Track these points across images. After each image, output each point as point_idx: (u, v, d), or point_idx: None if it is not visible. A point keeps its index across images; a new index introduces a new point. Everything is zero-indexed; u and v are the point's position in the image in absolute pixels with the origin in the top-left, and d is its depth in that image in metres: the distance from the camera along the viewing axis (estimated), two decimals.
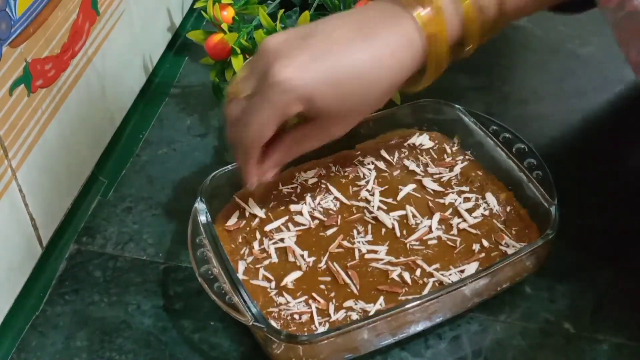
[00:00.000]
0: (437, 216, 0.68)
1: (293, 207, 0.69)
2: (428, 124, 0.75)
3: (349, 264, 0.64)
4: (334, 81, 0.57)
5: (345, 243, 0.66)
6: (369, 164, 0.73)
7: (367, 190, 0.70)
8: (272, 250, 0.66)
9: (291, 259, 0.65)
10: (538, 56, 0.89)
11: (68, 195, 0.71)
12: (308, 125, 0.61)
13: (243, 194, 0.70)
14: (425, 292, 0.62)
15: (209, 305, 0.63)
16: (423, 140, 0.74)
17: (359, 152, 0.74)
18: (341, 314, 0.61)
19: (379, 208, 0.68)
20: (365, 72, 0.58)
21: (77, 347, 0.63)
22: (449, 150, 0.74)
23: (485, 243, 0.65)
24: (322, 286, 0.63)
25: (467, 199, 0.69)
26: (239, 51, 0.77)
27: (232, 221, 0.68)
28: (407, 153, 0.74)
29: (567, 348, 0.62)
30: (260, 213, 0.69)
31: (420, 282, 0.63)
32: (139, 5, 0.80)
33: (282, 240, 0.67)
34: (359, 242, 0.66)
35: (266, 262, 0.65)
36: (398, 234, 0.67)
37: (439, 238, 0.66)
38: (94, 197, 0.74)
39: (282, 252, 0.66)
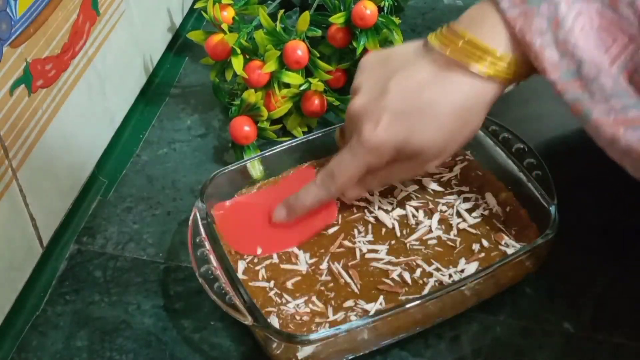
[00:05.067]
0: (437, 216, 0.68)
1: None
2: None
3: (349, 264, 0.64)
4: (423, 123, 0.61)
5: (346, 243, 0.66)
6: None
7: None
8: None
9: (291, 259, 0.65)
10: None
11: (68, 195, 0.71)
12: (401, 162, 0.63)
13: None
14: (425, 292, 0.62)
15: (209, 305, 0.63)
16: None
17: None
18: (341, 314, 0.61)
19: (379, 208, 0.68)
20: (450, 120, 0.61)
21: (78, 347, 0.63)
22: None
23: (485, 243, 0.65)
24: (322, 286, 0.63)
25: (467, 199, 0.69)
26: (239, 51, 0.77)
27: None
28: None
29: (567, 348, 0.62)
30: None
31: (420, 282, 0.63)
32: (139, 5, 0.80)
33: None
34: (359, 241, 0.66)
35: (266, 262, 0.65)
36: (398, 233, 0.67)
37: (439, 238, 0.66)
38: (94, 197, 0.74)
39: (283, 252, 0.66)
